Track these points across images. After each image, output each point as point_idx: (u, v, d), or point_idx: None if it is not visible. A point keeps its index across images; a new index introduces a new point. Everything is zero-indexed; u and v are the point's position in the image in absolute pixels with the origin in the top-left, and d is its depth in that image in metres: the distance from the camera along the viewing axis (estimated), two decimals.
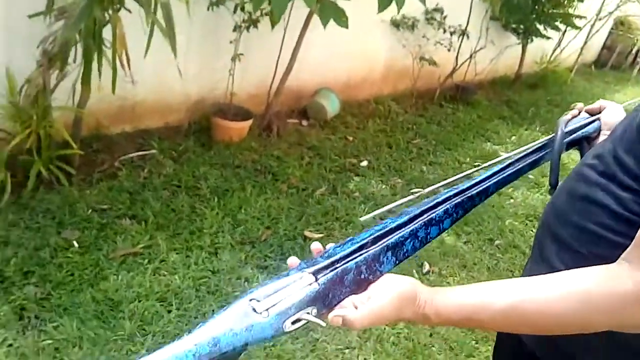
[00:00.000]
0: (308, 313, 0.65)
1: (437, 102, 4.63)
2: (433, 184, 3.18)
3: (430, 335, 2.13)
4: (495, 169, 0.97)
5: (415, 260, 2.53)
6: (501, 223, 3.04)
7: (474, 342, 2.14)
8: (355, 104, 4.14)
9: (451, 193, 0.87)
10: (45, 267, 1.99)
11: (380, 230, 0.76)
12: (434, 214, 0.82)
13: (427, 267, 2.50)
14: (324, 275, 0.67)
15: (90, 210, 2.35)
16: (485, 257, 2.70)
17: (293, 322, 0.63)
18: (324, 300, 0.66)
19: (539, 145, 1.05)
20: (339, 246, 0.73)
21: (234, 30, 3.00)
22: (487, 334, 2.19)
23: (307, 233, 2.54)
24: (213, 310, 1.99)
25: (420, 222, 0.80)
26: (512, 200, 3.36)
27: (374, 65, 4.35)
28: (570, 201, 0.85)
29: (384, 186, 3.10)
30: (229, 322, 0.59)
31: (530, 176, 3.72)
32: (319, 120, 3.71)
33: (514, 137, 4.38)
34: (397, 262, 0.76)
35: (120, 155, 2.80)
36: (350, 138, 3.64)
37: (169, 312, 1.96)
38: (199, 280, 2.13)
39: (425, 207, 0.82)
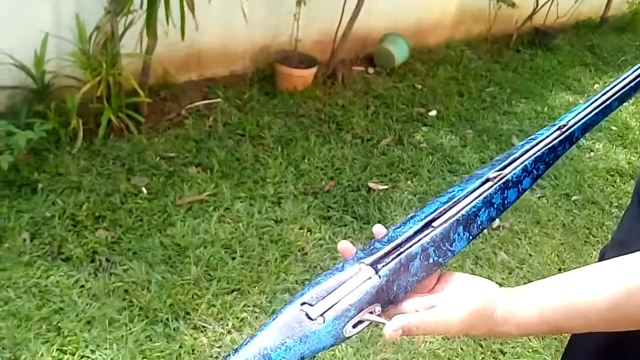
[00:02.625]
0: (371, 312, 0.55)
1: (513, 47, 4.35)
2: (507, 135, 3.00)
3: None
4: (579, 109, 0.80)
5: None
6: (579, 177, 2.85)
7: None
8: (425, 50, 3.95)
9: (529, 145, 0.72)
10: (115, 212, 2.06)
11: (447, 201, 0.64)
12: (510, 174, 0.68)
13: (497, 222, 2.39)
14: (385, 265, 0.57)
15: (158, 158, 2.39)
16: (561, 213, 2.54)
17: (354, 325, 0.55)
18: (389, 294, 0.56)
19: (630, 74, 0.85)
20: (399, 227, 0.62)
21: None
22: None
23: (371, 184, 2.49)
24: (276, 259, 2.00)
25: (495, 186, 0.67)
26: (592, 154, 3.13)
27: (447, 8, 4.10)
28: None
29: (453, 137, 2.97)
30: (280, 335, 0.51)
31: (613, 127, 3.45)
32: (385, 68, 3.57)
33: (597, 86, 4.06)
34: (471, 237, 0.64)
35: (187, 104, 2.82)
36: (419, 86, 3.49)
37: (233, 258, 1.98)
38: (262, 229, 2.14)
39: (499, 166, 0.69)
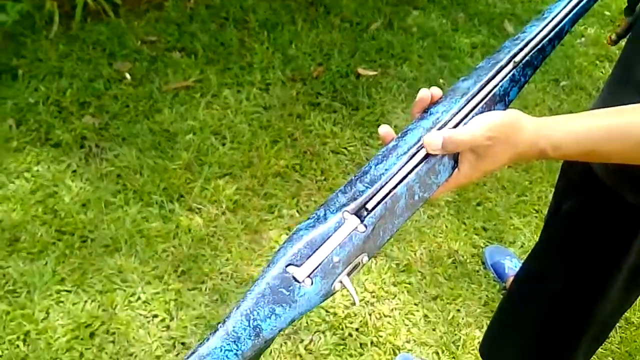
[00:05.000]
0: (358, 264, 0.53)
1: None
2: (499, 19, 2.89)
3: None
4: None
5: None
6: (569, 63, 2.83)
7: (527, 182, 2.11)
8: None
9: (516, 49, 0.67)
10: (100, 98, 2.02)
11: (431, 127, 0.60)
12: (496, 88, 0.64)
13: None
14: (370, 211, 0.54)
15: (139, 42, 2.31)
16: (549, 98, 2.56)
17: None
18: (375, 241, 0.54)
19: None
20: (381, 162, 0.57)
21: None
22: (541, 174, 2.15)
23: (360, 70, 2.45)
24: (266, 145, 2.01)
25: (482, 104, 0.63)
26: (583, 39, 3.08)
27: None
28: None
29: (444, 21, 2.88)
30: (268, 303, 0.49)
31: (607, 12, 3.37)
32: None
33: None
34: (455, 164, 0.60)
35: None
36: None
37: (223, 144, 1.99)
38: (251, 115, 2.12)
39: (485, 79, 0.64)
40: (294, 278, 0.50)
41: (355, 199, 0.55)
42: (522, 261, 1.74)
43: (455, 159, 0.60)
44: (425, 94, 0.63)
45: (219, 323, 0.48)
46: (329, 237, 0.52)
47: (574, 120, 0.60)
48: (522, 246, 1.89)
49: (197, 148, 1.94)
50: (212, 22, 2.52)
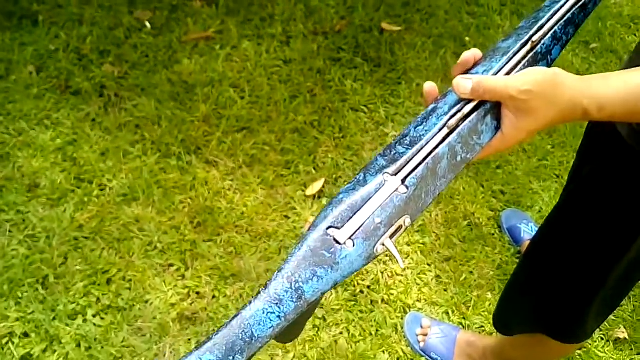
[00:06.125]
0: (401, 226, 0.52)
1: None
2: None
3: None
4: None
5: None
6: (601, 24, 2.72)
7: (549, 146, 2.07)
8: None
9: (556, 6, 0.65)
10: (120, 47, 2.00)
11: None
12: (538, 46, 0.62)
13: None
14: (411, 172, 0.53)
15: None
16: (577, 61, 2.47)
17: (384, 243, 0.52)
18: (417, 203, 0.53)
19: None
20: (421, 124, 0.56)
21: None
22: (564, 139, 2.11)
23: (384, 25, 2.38)
24: (285, 99, 1.99)
25: (523, 62, 0.61)
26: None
27: None
28: None
29: None
30: (310, 265, 0.48)
31: None
32: None
33: None
34: (498, 125, 0.58)
35: None
36: None
37: (242, 98, 1.97)
38: (271, 69, 2.10)
39: (526, 37, 0.62)
40: (335, 240, 0.50)
41: (395, 160, 0.53)
42: (539, 226, 1.73)
43: (498, 119, 0.58)
44: (469, 56, 0.61)
45: (263, 286, 0.48)
46: (369, 199, 0.51)
47: (619, 77, 0.57)
48: (540, 211, 1.87)
49: (216, 101, 1.93)
50: None
